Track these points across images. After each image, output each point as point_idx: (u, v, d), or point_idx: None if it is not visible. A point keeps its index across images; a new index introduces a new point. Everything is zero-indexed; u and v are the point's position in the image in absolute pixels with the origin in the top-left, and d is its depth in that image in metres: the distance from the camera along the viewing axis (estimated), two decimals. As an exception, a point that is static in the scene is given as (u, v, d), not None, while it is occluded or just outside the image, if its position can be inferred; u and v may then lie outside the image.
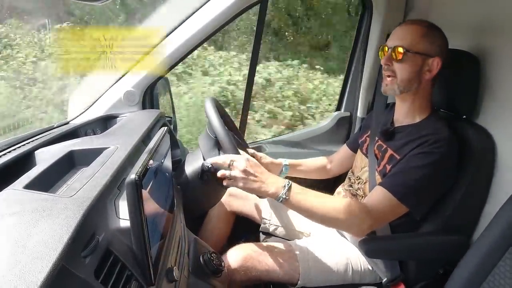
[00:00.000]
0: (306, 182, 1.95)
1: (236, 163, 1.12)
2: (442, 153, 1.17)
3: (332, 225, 1.25)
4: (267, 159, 1.57)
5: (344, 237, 1.45)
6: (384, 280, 1.33)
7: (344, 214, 1.14)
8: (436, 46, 1.24)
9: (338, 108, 2.22)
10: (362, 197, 1.39)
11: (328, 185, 1.89)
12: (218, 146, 1.31)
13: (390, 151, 1.29)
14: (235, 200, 1.67)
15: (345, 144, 1.71)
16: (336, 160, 1.72)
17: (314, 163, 1.70)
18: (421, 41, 1.22)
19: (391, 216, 1.21)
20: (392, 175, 1.23)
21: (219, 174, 1.14)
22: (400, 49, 1.22)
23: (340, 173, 1.75)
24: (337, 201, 1.20)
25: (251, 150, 1.59)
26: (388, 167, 1.27)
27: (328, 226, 1.24)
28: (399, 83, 1.26)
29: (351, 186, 1.48)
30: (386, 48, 1.27)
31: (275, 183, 1.12)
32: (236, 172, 1.11)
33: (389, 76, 1.27)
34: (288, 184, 1.12)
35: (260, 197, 1.33)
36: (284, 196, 1.11)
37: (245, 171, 1.10)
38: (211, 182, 1.32)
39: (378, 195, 1.19)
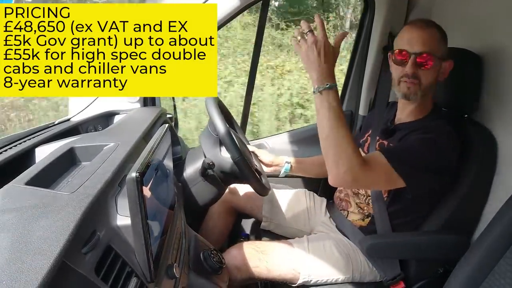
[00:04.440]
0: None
1: (320, 39, 1.05)
2: (442, 142, 1.17)
3: (328, 148, 1.11)
4: (269, 156, 1.57)
5: (345, 235, 1.45)
6: (384, 278, 1.33)
7: (346, 148, 1.08)
8: (447, 48, 1.24)
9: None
10: (364, 196, 1.39)
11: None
12: (219, 142, 1.32)
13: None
14: (236, 197, 1.67)
15: None
16: None
17: (315, 162, 1.70)
18: (440, 45, 1.21)
19: (381, 181, 1.17)
20: (391, 148, 1.24)
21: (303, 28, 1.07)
22: (429, 56, 1.19)
23: None
24: (350, 137, 1.11)
25: (251, 148, 1.59)
26: None
27: (324, 147, 1.12)
28: (423, 89, 1.23)
29: None
30: (404, 54, 1.21)
31: (325, 73, 1.06)
32: (310, 41, 1.05)
33: (411, 82, 1.23)
34: (334, 85, 1.06)
35: (261, 195, 1.33)
36: (322, 88, 1.05)
37: (316, 43, 1.04)
38: (212, 179, 1.32)
39: (374, 158, 1.16)
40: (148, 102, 1.61)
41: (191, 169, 1.34)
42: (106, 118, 1.47)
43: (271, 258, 1.31)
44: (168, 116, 1.68)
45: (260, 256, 1.31)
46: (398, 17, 1.86)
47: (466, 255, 1.05)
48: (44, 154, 0.92)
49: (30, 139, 1.06)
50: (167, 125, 0.98)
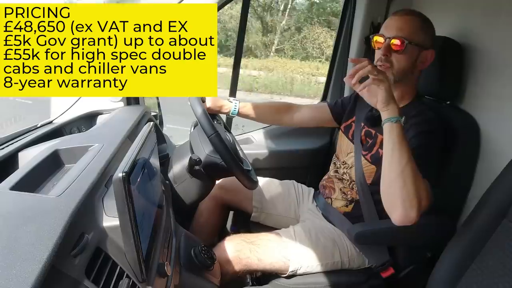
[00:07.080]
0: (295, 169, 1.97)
1: (382, 77, 1.05)
2: (432, 130, 1.19)
3: (399, 184, 1.06)
4: (218, 102, 1.57)
5: (332, 223, 1.46)
6: (374, 265, 1.35)
7: (419, 182, 1.06)
8: (430, 38, 1.25)
9: (324, 97, 2.23)
10: (348, 181, 1.42)
11: (317, 170, 1.92)
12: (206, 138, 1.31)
13: (381, 137, 1.30)
14: (225, 192, 1.67)
15: (327, 104, 1.66)
16: (307, 112, 1.67)
17: (271, 106, 1.70)
18: (419, 33, 1.22)
19: (427, 198, 1.11)
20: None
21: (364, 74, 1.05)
22: (402, 40, 1.21)
23: (304, 126, 1.80)
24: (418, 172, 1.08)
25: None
26: (381, 152, 1.27)
27: (394, 184, 1.07)
28: (395, 73, 1.25)
29: (336, 171, 1.49)
30: (381, 38, 1.25)
31: (395, 106, 1.07)
32: (381, 76, 1.05)
33: (384, 65, 1.24)
34: (404, 118, 1.07)
35: (249, 189, 1.33)
36: (395, 120, 1.05)
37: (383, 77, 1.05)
38: (200, 175, 1.32)
39: None
40: (132, 101, 1.60)
41: (178, 167, 1.33)
42: (89, 119, 1.44)
43: (261, 248, 1.33)
44: (153, 114, 1.66)
45: (250, 247, 1.32)
46: (379, 7, 1.88)
47: (453, 239, 1.07)
48: (28, 158, 0.90)
49: (12, 143, 1.04)
50: (151, 123, 0.98)
